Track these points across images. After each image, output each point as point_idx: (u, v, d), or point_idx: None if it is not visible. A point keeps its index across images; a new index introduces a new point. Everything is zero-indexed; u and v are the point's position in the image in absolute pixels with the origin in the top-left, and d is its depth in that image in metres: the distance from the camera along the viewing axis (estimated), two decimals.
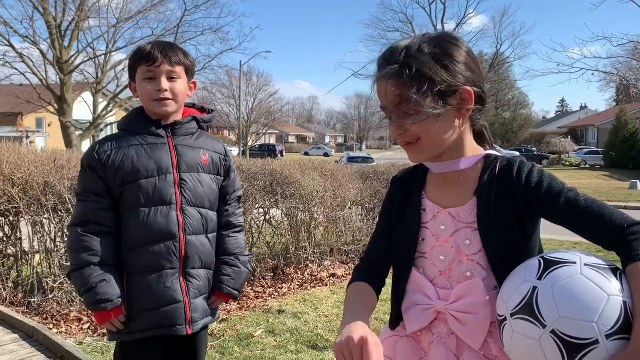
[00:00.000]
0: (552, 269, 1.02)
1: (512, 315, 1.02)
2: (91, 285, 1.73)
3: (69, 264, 1.82)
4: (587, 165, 33.26)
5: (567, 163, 34.69)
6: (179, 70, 1.89)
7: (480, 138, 1.30)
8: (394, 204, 1.35)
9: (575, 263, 1.01)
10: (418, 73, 1.14)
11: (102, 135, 30.53)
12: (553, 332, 0.95)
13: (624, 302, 0.95)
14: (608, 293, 0.95)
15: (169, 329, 1.82)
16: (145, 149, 1.84)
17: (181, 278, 1.86)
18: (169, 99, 1.85)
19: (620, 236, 1.05)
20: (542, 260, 1.06)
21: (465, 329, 1.16)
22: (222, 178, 2.03)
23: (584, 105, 72.60)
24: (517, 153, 36.50)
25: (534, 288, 1.00)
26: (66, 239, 1.92)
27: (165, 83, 1.84)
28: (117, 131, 1.96)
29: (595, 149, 36.77)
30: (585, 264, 1.02)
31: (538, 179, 1.16)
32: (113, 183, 1.80)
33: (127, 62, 1.94)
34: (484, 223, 1.17)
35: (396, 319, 1.33)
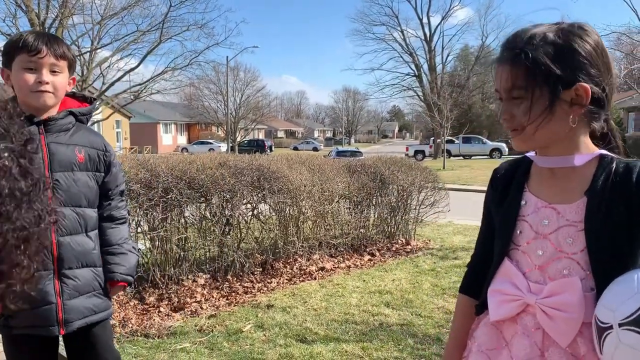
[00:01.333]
0: None
1: (620, 325, 0.99)
2: None
3: None
4: None
5: None
6: (62, 64, 1.83)
7: (602, 140, 1.26)
8: (494, 194, 1.37)
9: None
10: (534, 62, 1.13)
11: None
12: None
13: None
14: None
15: (41, 329, 1.82)
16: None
17: (55, 280, 1.83)
18: (49, 91, 1.79)
19: None
20: None
21: (554, 325, 1.15)
22: (102, 174, 1.98)
23: None
24: (504, 144, 36.37)
25: None
26: None
27: (47, 75, 1.78)
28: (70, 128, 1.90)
29: None
30: None
31: None
32: None
33: (5, 46, 1.82)
34: (591, 224, 1.14)
35: (481, 305, 1.35)
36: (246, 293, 5.04)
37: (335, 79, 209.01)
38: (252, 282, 5.32)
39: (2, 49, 1.84)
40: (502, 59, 1.19)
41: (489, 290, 1.31)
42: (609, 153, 1.21)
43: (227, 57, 39.63)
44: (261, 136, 63.45)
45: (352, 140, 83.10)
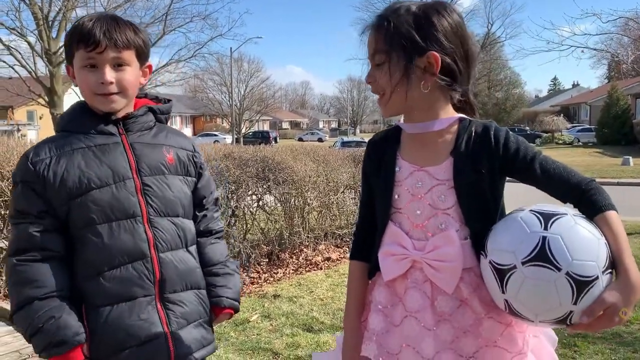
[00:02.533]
0: (552, 220, 1.15)
1: (523, 263, 1.14)
2: (37, 325, 1.35)
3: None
4: (580, 143, 33.35)
5: (560, 141, 34.78)
6: (128, 55, 1.49)
7: (464, 109, 1.38)
8: (371, 165, 1.45)
9: (567, 214, 1.17)
10: (395, 29, 1.25)
11: None
12: (567, 273, 1.10)
13: (606, 243, 1.14)
14: (598, 237, 1.14)
15: None
16: (94, 151, 1.47)
17: (159, 306, 1.49)
18: (114, 93, 1.47)
19: (583, 193, 1.21)
20: (538, 214, 1.19)
21: (439, 275, 1.27)
22: (194, 179, 1.66)
23: (576, 83, 72.64)
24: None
25: (544, 237, 1.13)
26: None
27: (110, 74, 1.45)
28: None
29: (588, 127, 36.85)
30: (573, 215, 1.18)
31: (515, 144, 1.29)
32: (56, 199, 1.42)
33: (67, 39, 1.50)
34: (459, 181, 1.28)
35: (373, 269, 1.45)
36: (253, 283, 5.07)
37: (340, 68, 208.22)
38: (258, 272, 5.35)
39: (67, 39, 1.40)
40: (369, 26, 1.31)
41: (379, 254, 1.39)
42: (466, 116, 1.34)
43: (230, 48, 39.63)
44: (266, 127, 63.48)
45: (358, 131, 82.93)
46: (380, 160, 1.41)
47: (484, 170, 1.28)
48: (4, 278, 4.41)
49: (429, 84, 1.26)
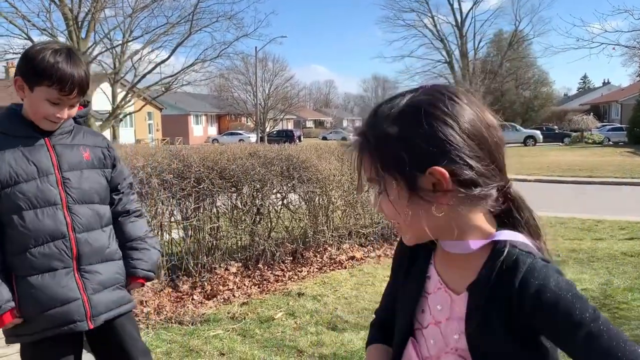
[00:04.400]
0: None
1: None
2: None
3: None
4: (611, 142, 32.58)
5: (590, 140, 34.04)
6: (80, 98, 1.86)
7: (507, 217, 1.04)
8: (401, 258, 1.15)
9: None
10: (379, 151, 0.95)
11: (122, 125, 30.54)
12: None
13: None
14: None
15: (68, 326, 1.81)
16: (23, 152, 1.80)
17: (76, 275, 1.84)
18: (60, 122, 1.84)
19: None
20: None
21: None
22: (110, 170, 2.02)
23: (606, 81, 70.89)
24: (538, 132, 35.61)
25: None
26: None
27: (66, 112, 1.82)
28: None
29: (619, 126, 35.98)
30: None
31: (553, 300, 0.88)
32: None
33: (30, 59, 1.77)
34: (469, 328, 0.96)
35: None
36: (277, 281, 5.10)
37: (365, 67, 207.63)
38: (282, 270, 5.37)
39: (29, 57, 1.72)
40: (352, 146, 1.00)
41: None
42: (505, 238, 0.97)
43: (255, 47, 39.75)
44: (290, 126, 63.67)
45: None
46: (415, 253, 1.10)
47: (500, 319, 0.93)
48: None
49: (445, 203, 0.93)
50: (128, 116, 31.44)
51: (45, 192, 1.79)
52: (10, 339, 1.84)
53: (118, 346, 1.97)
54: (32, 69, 1.75)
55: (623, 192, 13.11)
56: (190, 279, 4.81)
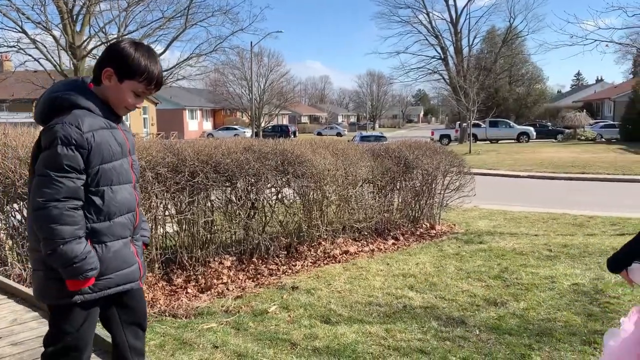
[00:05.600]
0: None
1: None
2: (82, 257, 1.89)
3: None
4: (603, 139, 32.72)
5: (583, 137, 34.19)
6: None
7: None
8: None
9: None
10: None
11: None
12: None
13: None
14: None
15: (130, 284, 2.12)
16: (112, 132, 2.04)
17: (131, 244, 2.15)
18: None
19: None
20: None
21: None
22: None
23: (600, 78, 71.02)
24: (531, 128, 35.74)
25: None
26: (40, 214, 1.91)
27: (141, 103, 2.15)
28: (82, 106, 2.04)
29: (612, 123, 36.12)
30: None
31: None
32: (93, 162, 1.95)
33: (125, 56, 2.02)
34: None
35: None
36: (271, 275, 5.12)
37: (360, 63, 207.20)
38: (277, 264, 5.39)
39: (125, 54, 2.03)
40: None
41: None
42: None
43: (251, 42, 39.64)
44: (285, 122, 63.51)
45: (377, 125, 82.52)
46: None
47: None
48: (29, 266, 4.52)
49: None
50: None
51: (126, 170, 2.10)
52: (65, 299, 1.98)
53: (141, 306, 2.26)
54: (127, 65, 2.01)
55: (615, 188, 13.20)
56: (185, 272, 4.82)
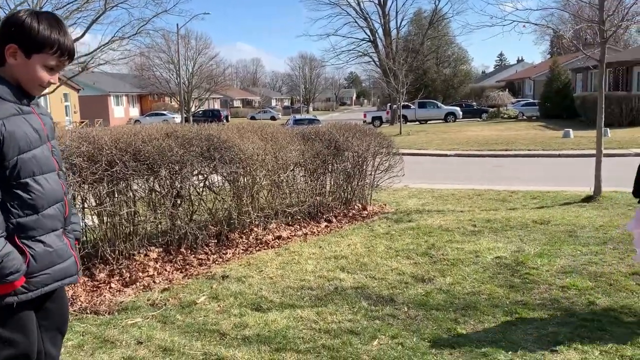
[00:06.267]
0: None
1: None
2: None
3: None
4: (524, 117, 34.39)
5: (505, 115, 35.76)
6: None
7: None
8: None
9: None
10: None
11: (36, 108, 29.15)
12: None
13: None
14: None
15: (68, 279, 2.00)
16: (26, 118, 1.86)
17: (64, 235, 2.01)
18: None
19: None
20: None
21: None
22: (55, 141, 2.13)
23: (520, 59, 74.63)
24: (458, 108, 37.04)
25: None
26: None
27: (56, 78, 1.96)
28: None
29: (532, 101, 38.01)
30: None
31: None
32: (9, 154, 1.77)
33: (28, 28, 1.83)
34: None
35: None
36: (201, 265, 4.98)
37: (291, 45, 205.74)
38: (206, 254, 5.25)
39: (25, 25, 1.79)
40: None
41: None
42: None
43: (177, 24, 38.26)
44: (217, 106, 62.26)
45: (311, 109, 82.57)
46: None
47: None
48: None
49: None
50: (42, 98, 29.44)
51: (48, 158, 1.92)
52: (8, 298, 1.82)
53: (63, 310, 2.12)
54: (32, 37, 1.82)
55: (535, 164, 13.91)
56: (108, 266, 4.59)
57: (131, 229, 4.80)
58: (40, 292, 1.90)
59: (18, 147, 1.79)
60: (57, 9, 21.60)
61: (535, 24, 9.13)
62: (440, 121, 36.98)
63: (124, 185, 4.65)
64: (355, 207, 7.42)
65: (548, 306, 3.77)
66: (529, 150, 16.12)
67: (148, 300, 4.06)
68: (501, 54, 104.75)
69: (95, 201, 4.62)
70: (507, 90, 42.02)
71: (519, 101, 40.08)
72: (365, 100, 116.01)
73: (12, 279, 1.76)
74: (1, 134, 1.74)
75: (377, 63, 40.73)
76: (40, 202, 1.87)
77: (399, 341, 3.26)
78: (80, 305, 3.95)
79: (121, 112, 49.56)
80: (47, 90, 24.37)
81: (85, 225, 4.64)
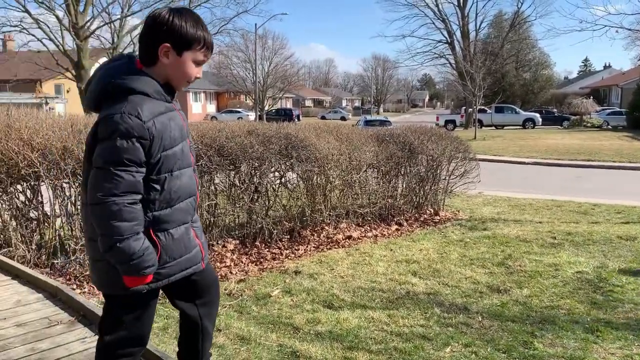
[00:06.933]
0: None
1: None
2: (139, 254, 1.81)
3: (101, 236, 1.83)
4: (610, 126, 32.52)
5: (589, 124, 33.96)
6: None
7: None
8: None
9: None
10: None
11: None
12: None
13: None
14: None
15: (192, 268, 2.08)
16: (170, 116, 1.94)
17: (191, 227, 2.12)
18: None
19: None
20: None
21: None
22: None
23: (607, 65, 70.45)
24: (537, 115, 35.56)
25: None
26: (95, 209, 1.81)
27: (201, 72, 2.04)
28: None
29: (618, 110, 35.86)
30: None
31: None
32: (154, 151, 1.86)
33: (178, 27, 1.90)
34: None
35: None
36: (274, 259, 5.12)
37: (365, 46, 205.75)
38: (280, 248, 5.39)
39: (174, 24, 1.86)
40: None
41: None
42: None
43: (255, 24, 39.30)
44: (289, 105, 63.26)
45: (381, 110, 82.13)
46: None
47: None
48: (33, 247, 4.53)
49: None
50: None
51: (186, 154, 2.02)
52: (131, 290, 1.92)
53: (213, 288, 2.28)
54: (183, 36, 1.91)
55: (620, 176, 13.13)
56: None
57: (212, 220, 5.01)
58: (167, 282, 1.98)
59: (163, 145, 1.88)
60: (145, 8, 22.83)
61: (629, 29, 8.63)
62: (518, 127, 35.65)
63: (207, 178, 4.86)
64: (427, 211, 7.34)
65: (633, 326, 3.57)
66: (613, 161, 15.23)
67: (225, 290, 4.23)
68: (586, 59, 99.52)
69: None
70: (591, 97, 39.83)
71: (604, 109, 37.92)
72: (438, 103, 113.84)
73: (148, 272, 1.86)
74: (151, 134, 1.83)
75: (453, 65, 39.86)
76: (175, 196, 1.96)
77: (472, 350, 3.21)
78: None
79: (199, 108, 51.47)
80: None
81: None
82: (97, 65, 22.58)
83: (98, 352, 2.05)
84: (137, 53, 1.99)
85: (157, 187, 1.90)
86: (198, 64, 1.98)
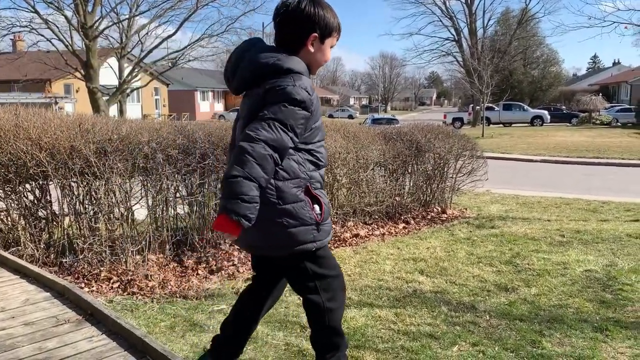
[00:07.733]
0: None
1: None
2: (249, 200, 1.90)
3: (235, 166, 1.93)
4: (619, 123, 32.27)
5: (598, 121, 33.72)
6: None
7: None
8: None
9: None
10: None
11: (129, 100, 30.65)
12: None
13: None
14: None
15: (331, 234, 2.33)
16: (317, 95, 2.18)
17: None
18: None
19: None
20: None
21: None
22: None
23: (616, 61, 69.77)
24: (545, 112, 35.34)
25: None
26: (244, 151, 1.93)
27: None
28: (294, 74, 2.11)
29: (628, 107, 35.58)
30: None
31: None
32: (311, 122, 2.11)
33: (321, 17, 2.13)
34: None
35: None
36: None
37: (372, 45, 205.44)
38: None
39: (319, 15, 2.16)
40: None
41: None
42: None
43: (262, 23, 39.29)
44: None
45: (389, 108, 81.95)
46: None
47: None
48: (41, 246, 4.57)
49: None
50: (135, 91, 31.32)
51: (323, 128, 2.27)
52: (309, 244, 2.17)
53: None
54: (326, 25, 2.14)
55: (630, 173, 13.02)
56: (195, 254, 4.83)
57: None
58: (328, 240, 2.23)
59: (316, 118, 2.14)
60: (153, 7, 22.92)
61: (639, 26, 8.55)
62: (526, 124, 35.46)
63: (214, 177, 4.87)
64: (434, 209, 7.31)
65: None
66: (622, 159, 15.11)
67: (232, 288, 4.24)
68: (595, 56, 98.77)
69: (187, 191, 4.87)
70: (600, 94, 39.50)
71: (614, 106, 37.60)
72: (446, 101, 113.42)
73: (242, 221, 1.90)
74: (314, 107, 2.08)
75: (461, 63, 39.71)
76: (322, 163, 2.23)
77: (480, 349, 3.20)
78: (171, 289, 4.20)
79: (207, 107, 51.62)
80: (138, 84, 25.85)
81: (177, 214, 4.92)
82: (105, 64, 22.73)
83: (326, 331, 2.43)
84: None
85: (312, 154, 2.17)
86: (332, 47, 2.23)
